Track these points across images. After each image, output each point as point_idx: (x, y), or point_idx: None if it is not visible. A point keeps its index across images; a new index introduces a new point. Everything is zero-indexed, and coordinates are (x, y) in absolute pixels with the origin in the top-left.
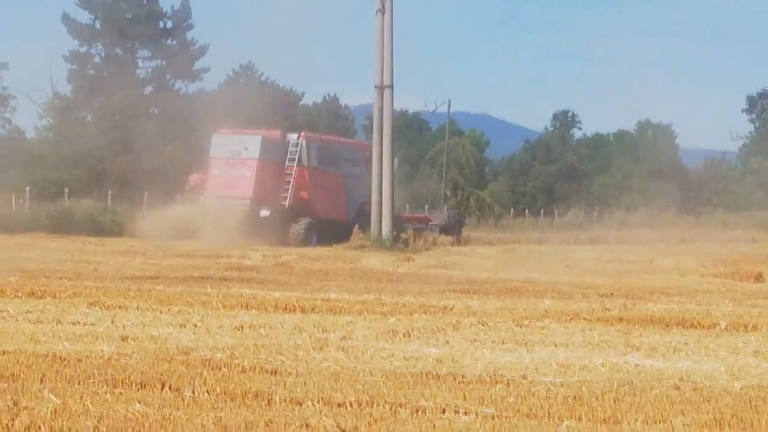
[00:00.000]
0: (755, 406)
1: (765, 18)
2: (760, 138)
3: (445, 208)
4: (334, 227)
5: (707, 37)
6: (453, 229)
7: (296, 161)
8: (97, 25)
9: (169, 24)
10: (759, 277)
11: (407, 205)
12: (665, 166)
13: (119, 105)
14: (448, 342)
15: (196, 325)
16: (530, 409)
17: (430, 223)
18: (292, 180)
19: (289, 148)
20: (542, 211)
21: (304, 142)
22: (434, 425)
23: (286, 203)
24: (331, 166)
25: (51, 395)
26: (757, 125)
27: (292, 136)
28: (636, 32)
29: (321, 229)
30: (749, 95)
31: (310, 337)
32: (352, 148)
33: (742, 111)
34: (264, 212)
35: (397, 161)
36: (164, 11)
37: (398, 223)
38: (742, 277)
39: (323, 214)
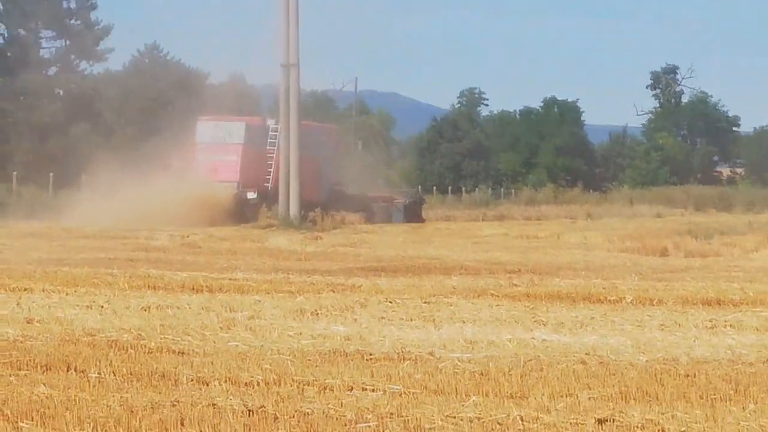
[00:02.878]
0: (660, 378)
1: None
2: (665, 113)
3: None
4: (311, 208)
5: (611, 14)
6: (416, 206)
7: (276, 146)
8: (0, 5)
9: (73, 4)
10: (664, 252)
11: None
12: (571, 143)
13: (23, 86)
14: (356, 320)
15: (102, 307)
16: (437, 386)
17: (395, 201)
18: (273, 164)
19: (269, 134)
20: (450, 188)
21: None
22: (342, 403)
23: (269, 186)
24: (307, 150)
25: None
26: (661, 101)
27: (272, 122)
28: (540, 10)
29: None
30: (653, 71)
31: (218, 317)
32: (324, 132)
33: (647, 87)
34: (251, 195)
35: (361, 144)
36: None
37: (365, 203)
38: (647, 252)
39: (302, 195)
